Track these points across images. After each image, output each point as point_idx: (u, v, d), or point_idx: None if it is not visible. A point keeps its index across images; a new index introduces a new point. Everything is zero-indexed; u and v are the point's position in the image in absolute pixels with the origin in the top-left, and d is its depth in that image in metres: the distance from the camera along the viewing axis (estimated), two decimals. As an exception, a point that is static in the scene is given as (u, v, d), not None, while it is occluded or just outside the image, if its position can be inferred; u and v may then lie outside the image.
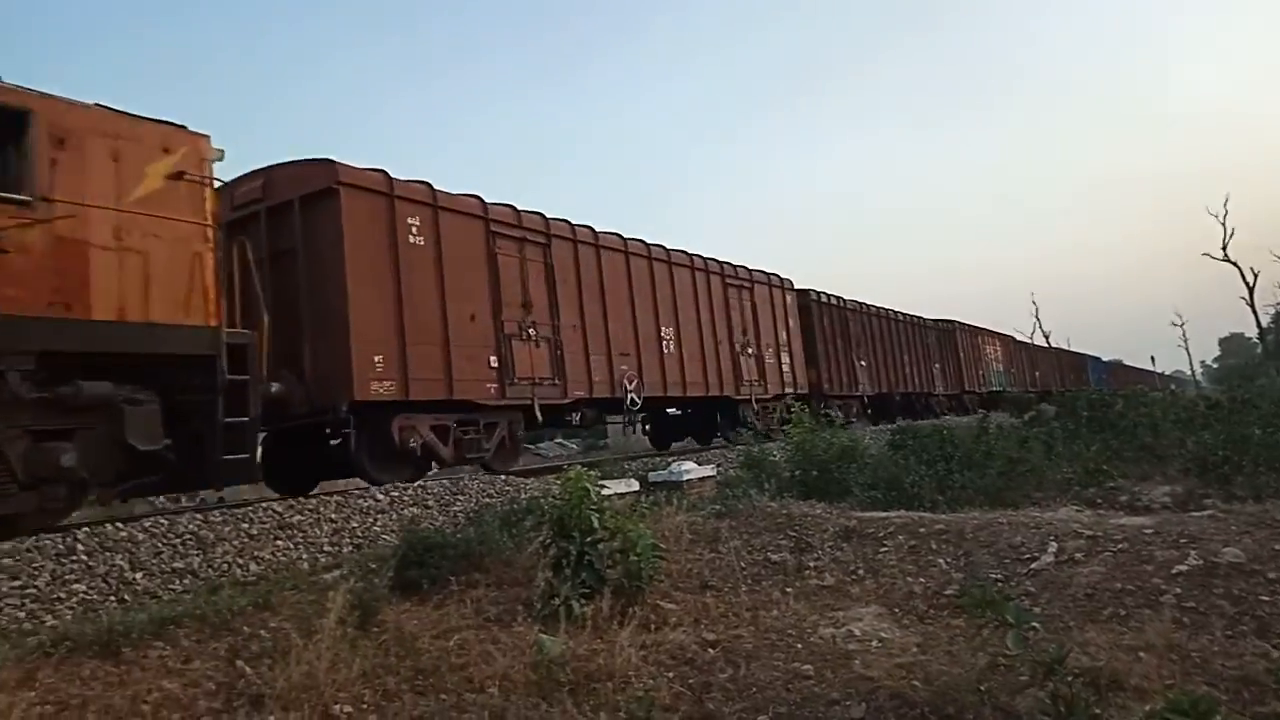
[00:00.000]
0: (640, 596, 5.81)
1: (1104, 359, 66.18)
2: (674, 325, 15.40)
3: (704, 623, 5.81)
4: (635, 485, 10.01)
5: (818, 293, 22.45)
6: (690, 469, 10.82)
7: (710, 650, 5.42)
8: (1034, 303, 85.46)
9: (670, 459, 12.57)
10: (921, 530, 7.06)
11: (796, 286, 21.16)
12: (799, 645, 5.33)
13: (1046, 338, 55.10)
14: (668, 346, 15.06)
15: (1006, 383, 36.59)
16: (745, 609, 6.07)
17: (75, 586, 6.21)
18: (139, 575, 6.55)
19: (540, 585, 5.79)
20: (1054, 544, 6.31)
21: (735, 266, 18.07)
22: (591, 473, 6.34)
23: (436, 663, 4.88)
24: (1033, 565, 6.08)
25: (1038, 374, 44.57)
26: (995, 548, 6.53)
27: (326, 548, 7.79)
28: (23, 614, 5.78)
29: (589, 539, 5.98)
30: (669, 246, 15.89)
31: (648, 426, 18.24)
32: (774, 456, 10.74)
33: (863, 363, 23.71)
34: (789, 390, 19.21)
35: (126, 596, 6.30)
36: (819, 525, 7.36)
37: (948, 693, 4.25)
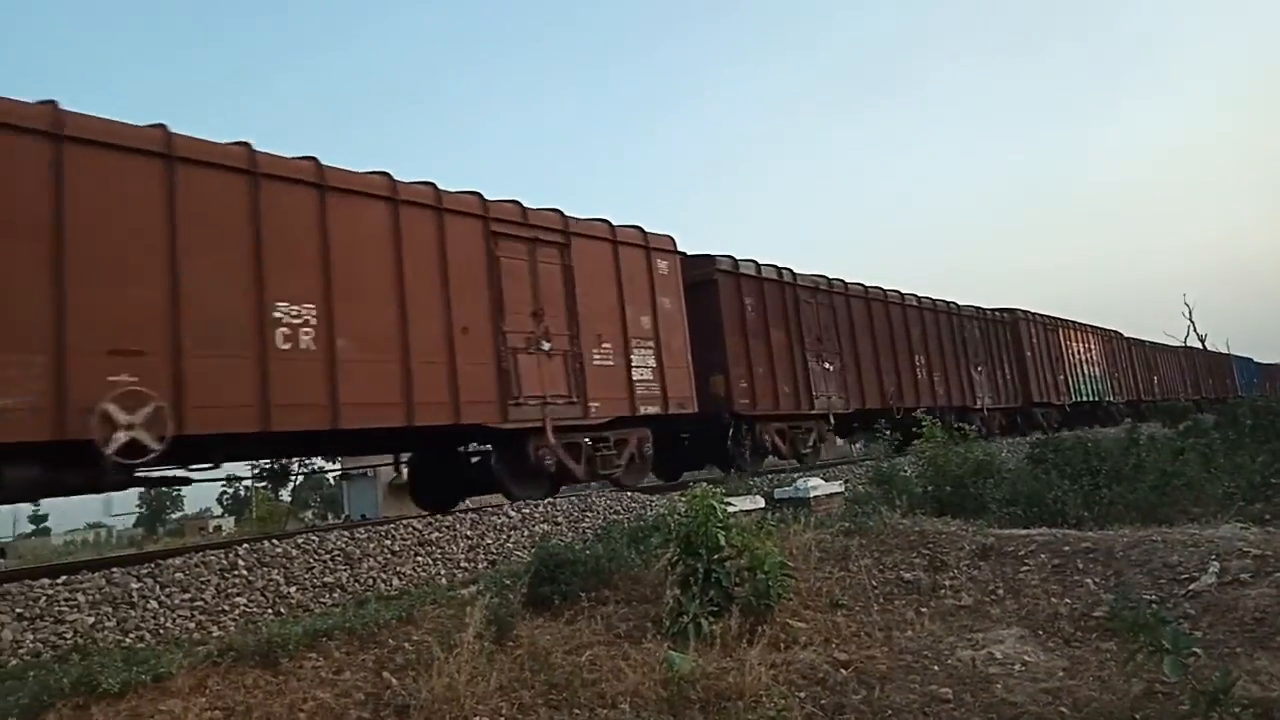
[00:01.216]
0: (769, 615, 5.75)
1: (1259, 361, 58.99)
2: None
3: (835, 642, 5.71)
4: (761, 502, 9.93)
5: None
6: (818, 485, 10.63)
7: (842, 670, 5.32)
8: (1187, 304, 78.26)
9: (797, 475, 12.40)
10: (1066, 548, 6.71)
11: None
12: (935, 667, 5.16)
13: (1202, 341, 48.61)
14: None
15: (1106, 391, 29.96)
16: (878, 629, 5.92)
17: (237, 599, 6.67)
18: (293, 589, 6.97)
19: (668, 602, 5.82)
20: (1216, 563, 5.87)
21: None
22: (717, 490, 6.34)
23: (569, 678, 4.98)
24: (1192, 586, 5.68)
25: (1157, 379, 37.16)
26: (1149, 567, 6.14)
27: (463, 563, 8.07)
28: (192, 624, 6.25)
29: (716, 556, 5.98)
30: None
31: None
32: (905, 472, 10.43)
33: (828, 365, 16.64)
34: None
35: (282, 609, 6.71)
36: (954, 543, 7.10)
37: (1099, 721, 4.03)
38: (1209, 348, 48.55)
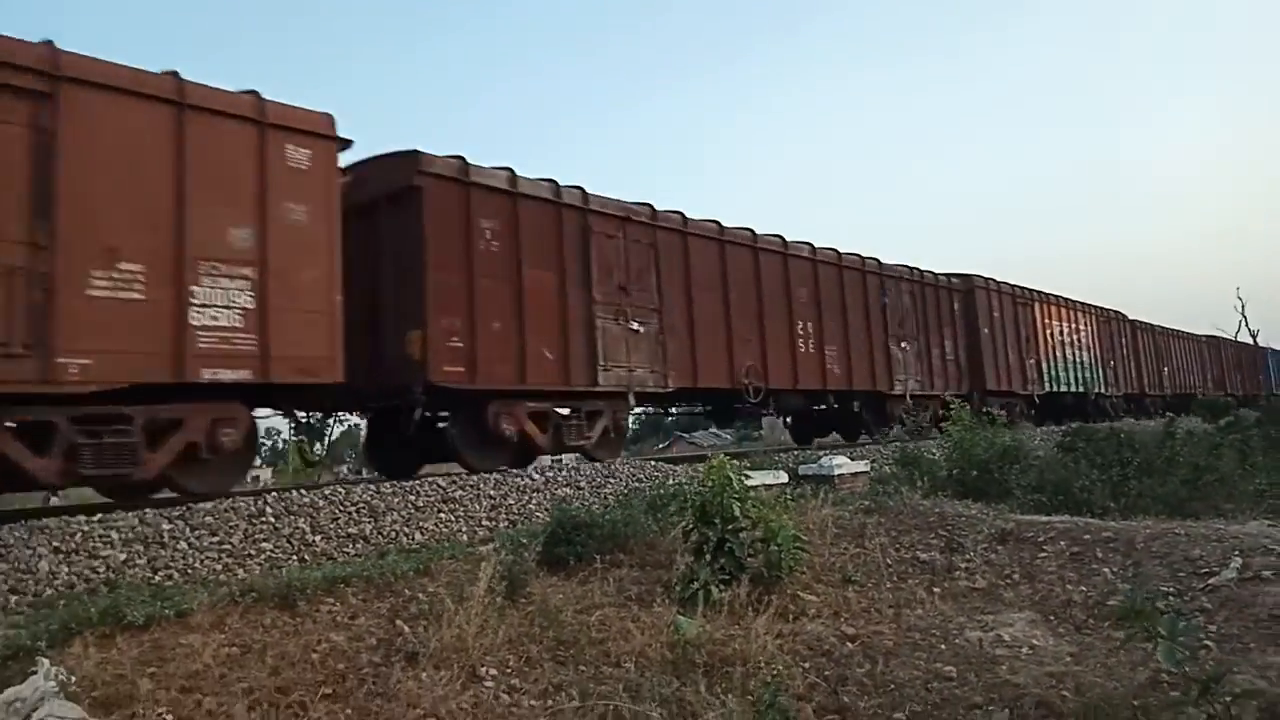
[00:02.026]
0: (779, 586, 5.80)
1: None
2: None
3: (844, 616, 5.74)
4: (784, 477, 9.93)
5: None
6: (842, 463, 10.61)
7: (849, 644, 5.36)
8: (1239, 297, 75.96)
9: (822, 453, 12.37)
10: (1087, 537, 6.65)
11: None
12: (942, 646, 5.18)
13: (1254, 336, 45.07)
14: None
15: (1096, 381, 24.99)
16: (888, 605, 5.94)
17: (263, 545, 6.85)
18: (318, 538, 7.15)
19: (680, 569, 5.89)
20: (1238, 559, 5.79)
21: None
22: (735, 462, 6.38)
23: (577, 635, 5.07)
24: (1211, 580, 5.61)
25: (1168, 371, 31.98)
26: (1169, 559, 6.07)
27: (485, 521, 8.20)
28: (219, 566, 6.44)
29: (730, 526, 6.02)
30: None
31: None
32: (931, 454, 10.36)
33: (635, 326, 11.94)
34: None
35: (306, 556, 6.89)
36: (973, 526, 7.07)
37: (1100, 706, 4.02)
38: (1258, 343, 45.16)
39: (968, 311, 19.64)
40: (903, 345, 17.25)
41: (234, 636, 4.52)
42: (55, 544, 6.03)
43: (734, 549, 5.95)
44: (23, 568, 5.71)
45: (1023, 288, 22.09)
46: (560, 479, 9.49)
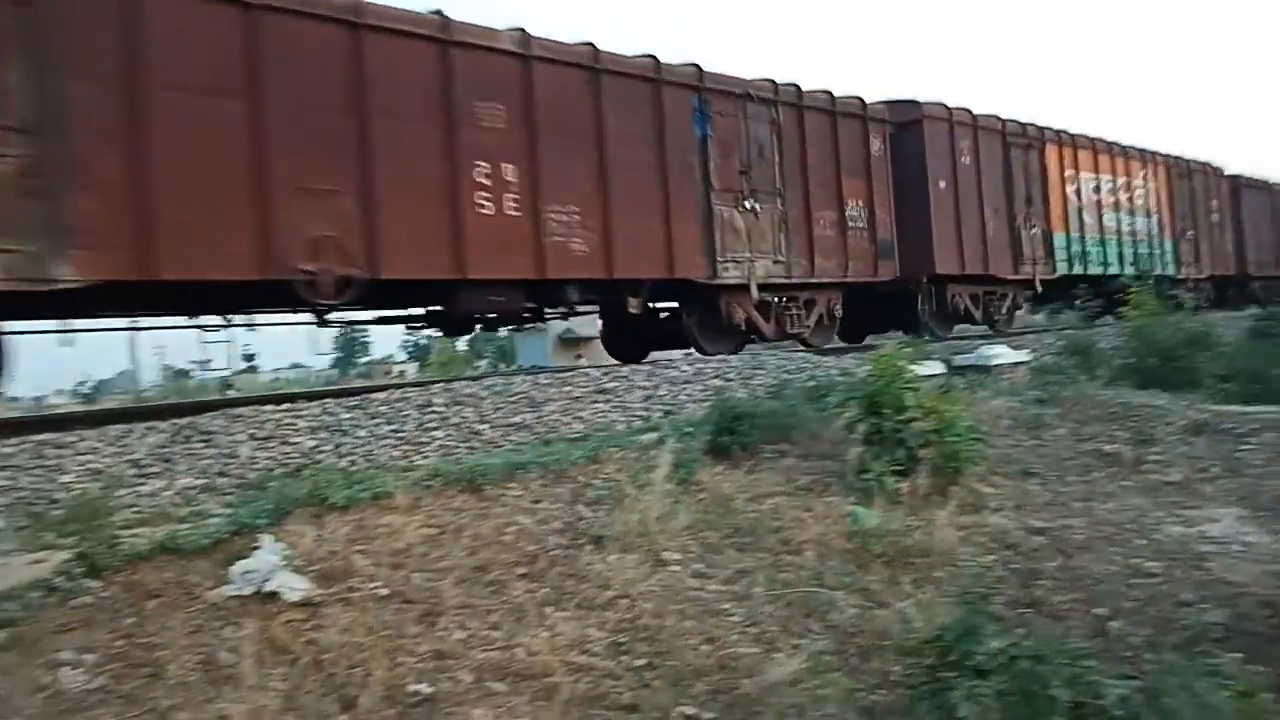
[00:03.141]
0: (957, 478, 5.61)
1: None
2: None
3: (1026, 509, 5.54)
4: (940, 368, 9.58)
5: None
6: (1001, 353, 10.14)
7: (1036, 537, 5.18)
8: None
9: (978, 342, 11.86)
10: (1295, 429, 6.15)
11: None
12: (1140, 541, 4.93)
13: None
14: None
15: (1162, 260, 18.90)
16: (1074, 499, 5.69)
17: (435, 433, 7.12)
18: (484, 427, 7.37)
19: (852, 460, 5.77)
20: None
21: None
22: (906, 350, 6.13)
23: (755, 523, 5.07)
24: None
25: None
26: (1396, 453, 5.54)
27: (639, 411, 8.27)
28: (397, 453, 6.74)
29: (901, 417, 5.83)
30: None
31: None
32: (1101, 344, 9.76)
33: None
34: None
35: (475, 445, 7.13)
36: (1162, 417, 6.65)
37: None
38: None
39: (904, 155, 13.48)
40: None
41: (429, 518, 4.72)
42: (251, 431, 6.44)
43: (906, 440, 5.78)
44: (227, 452, 6.13)
45: (1022, 123, 15.62)
46: (708, 371, 9.45)
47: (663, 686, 3.66)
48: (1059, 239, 16.14)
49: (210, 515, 4.97)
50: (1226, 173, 21.78)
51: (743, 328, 11.56)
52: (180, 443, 6.12)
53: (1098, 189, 17.25)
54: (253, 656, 3.31)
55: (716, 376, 9.31)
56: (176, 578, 4.00)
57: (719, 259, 10.88)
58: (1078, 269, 16.52)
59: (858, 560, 4.78)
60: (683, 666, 3.74)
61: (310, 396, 7.62)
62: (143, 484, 5.57)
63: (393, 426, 6.99)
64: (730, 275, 10.98)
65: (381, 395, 7.44)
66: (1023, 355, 10.37)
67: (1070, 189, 16.48)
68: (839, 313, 12.64)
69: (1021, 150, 15.56)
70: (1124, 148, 18.39)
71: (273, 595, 3.84)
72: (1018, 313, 16.69)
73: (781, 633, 4.08)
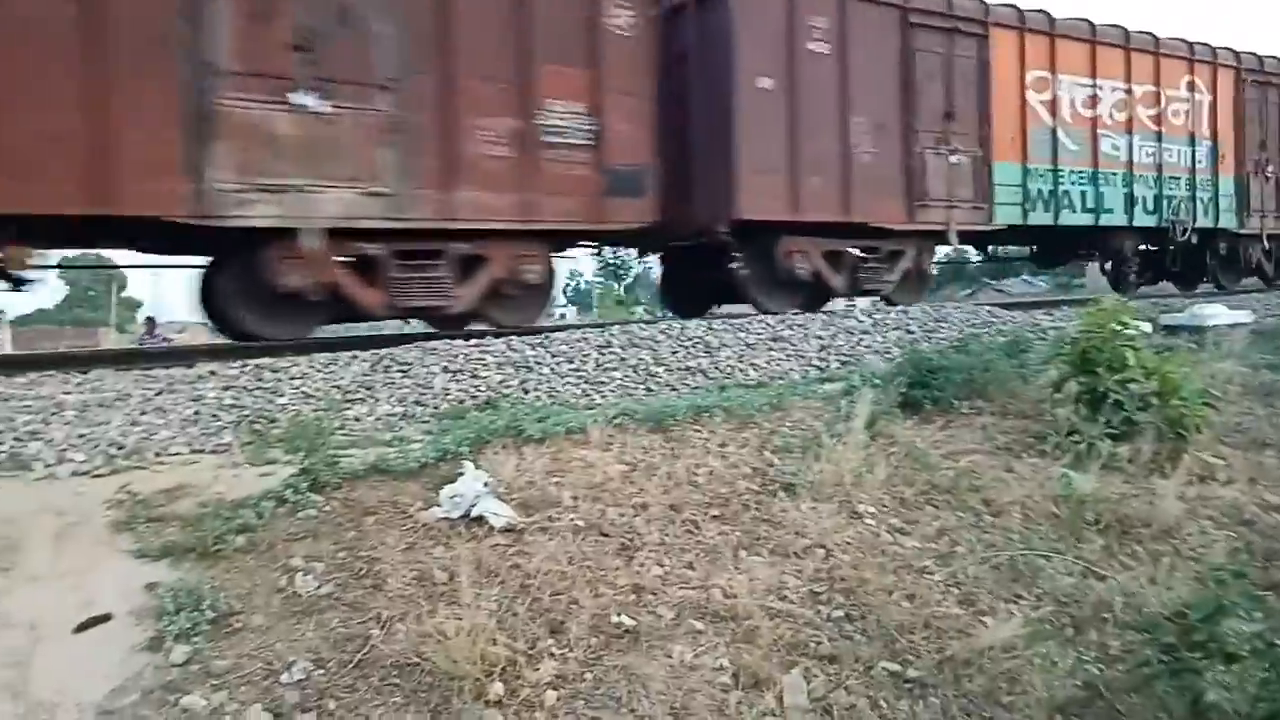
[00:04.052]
0: (1182, 446, 5.14)
1: None
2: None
3: (1263, 483, 5.02)
4: (1146, 327, 8.82)
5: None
6: (1217, 312, 9.23)
7: (1275, 514, 4.68)
8: None
9: (1191, 300, 10.85)
10: None
11: None
12: None
13: None
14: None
15: (1198, 207, 13.61)
16: (1317, 476, 5.11)
17: (613, 373, 7.19)
18: (660, 370, 7.38)
19: (1059, 422, 5.39)
20: None
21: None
22: (1130, 304, 5.64)
23: (952, 482, 4.83)
24: None
25: None
26: None
27: (815, 361, 8.07)
28: (578, 391, 6.86)
29: (1118, 377, 5.38)
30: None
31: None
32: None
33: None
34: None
35: (651, 386, 7.15)
36: None
37: None
38: None
39: (699, 37, 9.68)
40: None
41: (621, 454, 4.76)
42: (444, 364, 6.70)
43: (1123, 402, 5.33)
44: (422, 384, 6.41)
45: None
46: (889, 321, 9.09)
47: (864, 640, 3.55)
48: (1006, 171, 11.09)
49: (412, 441, 5.22)
50: None
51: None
52: (380, 372, 6.44)
53: (1093, 100, 12.09)
54: (466, 577, 3.42)
55: (897, 328, 8.95)
56: (389, 497, 4.21)
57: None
58: (1041, 216, 11.56)
59: (1069, 527, 4.47)
60: (885, 622, 3.61)
61: (497, 334, 7.85)
62: (348, 408, 5.91)
63: (573, 365, 7.11)
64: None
65: (562, 335, 7.57)
66: (1242, 316, 9.40)
67: (1038, 98, 11.50)
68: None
69: (940, 37, 10.71)
70: (1147, 41, 12.79)
71: (479, 519, 3.98)
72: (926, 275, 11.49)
73: (989, 596, 3.87)
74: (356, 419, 5.83)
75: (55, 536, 3.76)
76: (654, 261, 13.76)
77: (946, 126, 10.74)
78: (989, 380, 6.21)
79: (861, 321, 8.90)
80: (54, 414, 5.18)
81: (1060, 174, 11.91)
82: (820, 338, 8.48)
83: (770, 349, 8.12)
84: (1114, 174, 12.51)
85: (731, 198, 9.33)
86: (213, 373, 6.02)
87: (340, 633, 3.28)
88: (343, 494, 4.21)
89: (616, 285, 26.75)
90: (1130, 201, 12.69)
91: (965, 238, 11.55)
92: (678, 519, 4.23)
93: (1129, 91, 12.63)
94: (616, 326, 7.99)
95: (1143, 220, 12.83)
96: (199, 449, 5.11)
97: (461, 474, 4.27)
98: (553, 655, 3.25)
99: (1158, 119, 13.01)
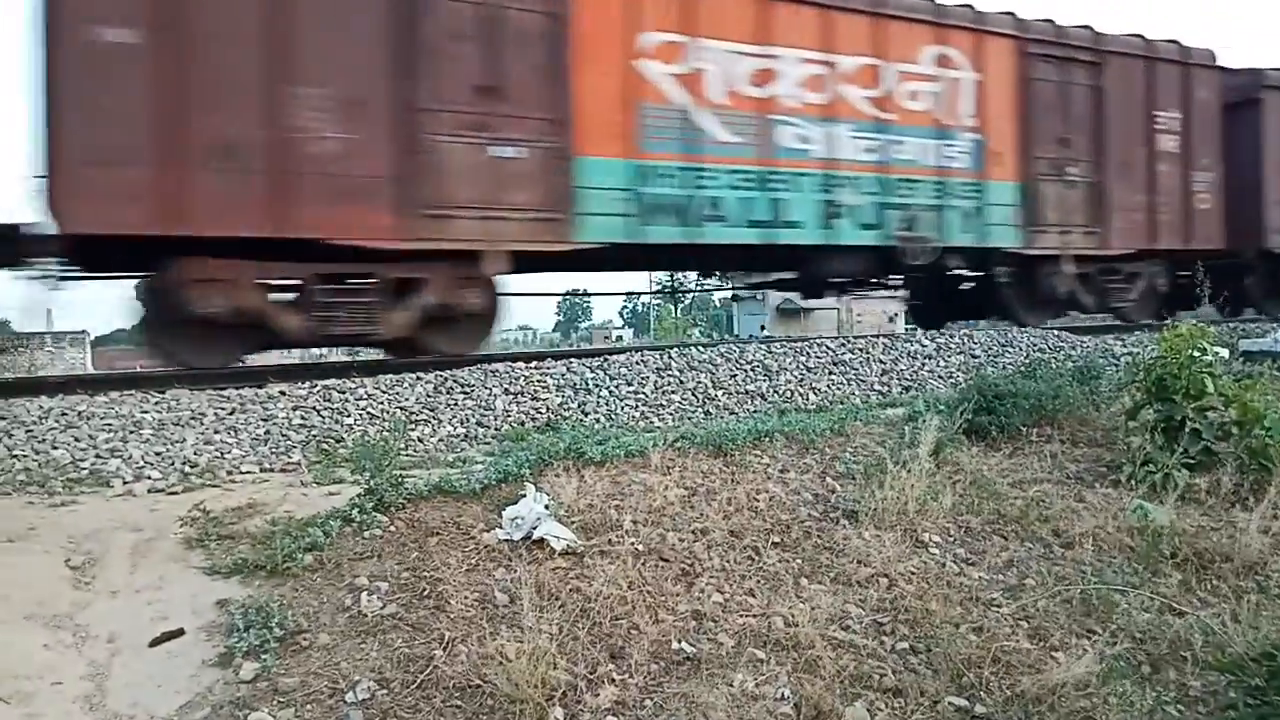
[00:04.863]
0: (1267, 478, 4.93)
1: None
2: None
3: (1354, 519, 4.77)
4: (1223, 353, 8.51)
5: None
6: (1301, 339, 8.86)
7: (1367, 553, 4.44)
8: None
9: (1272, 326, 10.45)
10: None
11: None
12: None
13: None
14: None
15: (941, 225, 10.05)
16: None
17: (672, 396, 7.20)
18: (719, 393, 7.37)
19: (1133, 451, 5.22)
20: None
21: None
22: (1210, 329, 5.45)
23: (1020, 511, 4.71)
24: None
25: None
26: None
27: (876, 386, 7.97)
28: (636, 414, 6.88)
29: (1196, 405, 5.20)
30: None
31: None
32: None
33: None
34: None
35: (710, 410, 7.14)
36: None
37: None
38: None
39: None
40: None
41: (681, 479, 4.74)
42: (505, 386, 6.77)
43: (1201, 431, 5.14)
44: (484, 404, 6.49)
45: None
46: (952, 345, 8.93)
47: (929, 674, 3.47)
48: (600, 170, 8.01)
49: (474, 462, 5.29)
50: (1213, 64, 12.03)
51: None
52: (443, 393, 6.54)
53: (765, 75, 8.82)
54: (528, 600, 3.44)
55: (961, 352, 8.79)
56: (452, 518, 4.26)
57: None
58: (665, 231, 8.39)
59: (1144, 560, 4.32)
60: (951, 655, 3.52)
61: (557, 356, 7.91)
62: (413, 429, 6.01)
63: (632, 388, 7.14)
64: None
65: (621, 357, 7.61)
66: (1328, 343, 9.01)
67: (663, 70, 8.28)
68: None
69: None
70: None
71: (540, 542, 3.99)
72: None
73: (1061, 631, 3.75)
74: (420, 439, 5.93)
75: (132, 552, 3.89)
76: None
77: (489, 107, 7.52)
78: (1059, 407, 6.05)
79: (924, 346, 8.76)
80: (132, 432, 5.37)
81: (704, 174, 8.57)
82: (882, 362, 8.37)
83: (831, 373, 8.05)
84: (802, 175, 9.05)
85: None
86: (283, 393, 6.18)
87: (404, 653, 3.32)
88: (407, 514, 4.27)
89: (674, 308, 26.78)
90: (830, 212, 9.23)
91: (529, 261, 8.02)
92: (738, 545, 4.19)
93: (830, 65, 9.16)
94: (675, 349, 8.00)
95: (853, 236, 9.39)
96: (269, 468, 5.25)
97: (523, 496, 4.30)
98: (613, 681, 3.24)
99: (883, 102, 9.51)
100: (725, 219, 8.70)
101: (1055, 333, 9.79)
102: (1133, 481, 5.06)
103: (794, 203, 9.06)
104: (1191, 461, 5.05)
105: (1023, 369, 7.55)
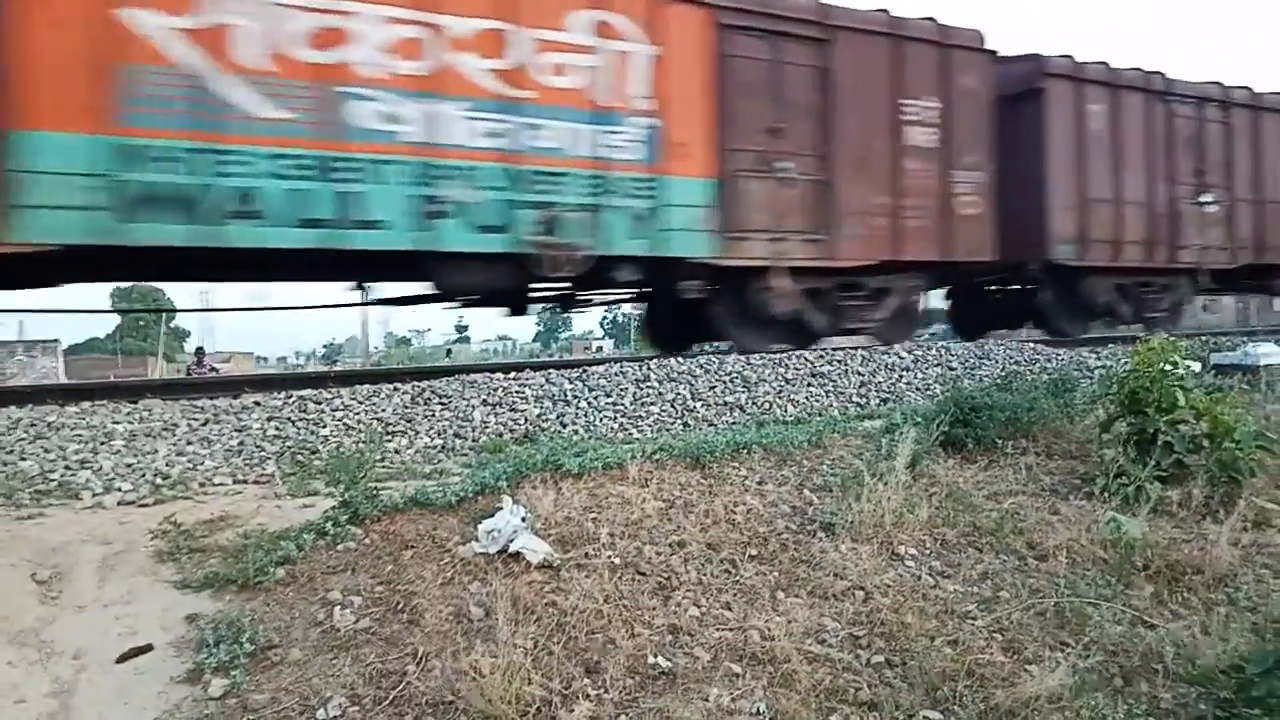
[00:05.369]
0: (1236, 491, 4.99)
1: None
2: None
3: (1322, 532, 4.83)
4: (1196, 366, 8.62)
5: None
6: (1271, 351, 8.99)
7: (1335, 564, 4.50)
8: None
9: (1244, 340, 10.60)
10: None
11: None
12: None
13: None
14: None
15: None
16: (1381, 525, 4.92)
17: (650, 408, 7.19)
18: (698, 405, 7.37)
19: (1106, 463, 5.27)
20: None
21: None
22: (1182, 343, 5.52)
23: (996, 524, 4.73)
24: None
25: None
26: None
27: (855, 398, 8.00)
28: (615, 425, 6.86)
29: (1169, 418, 5.25)
30: None
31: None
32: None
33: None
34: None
35: (689, 421, 7.14)
36: None
37: None
38: None
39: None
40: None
41: (659, 491, 4.73)
42: (484, 397, 6.75)
43: (1173, 444, 5.20)
44: (461, 416, 6.46)
45: None
46: (929, 358, 8.99)
47: (905, 687, 3.46)
48: (51, 149, 6.20)
49: (451, 474, 5.26)
50: (980, 46, 10.49)
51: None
52: (421, 404, 6.51)
53: (330, 35, 7.10)
54: (503, 614, 3.41)
55: (938, 365, 8.85)
56: (428, 531, 4.23)
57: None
58: (161, 230, 6.51)
59: (1117, 572, 4.34)
60: (927, 668, 3.52)
61: (535, 367, 7.90)
62: (389, 440, 5.97)
63: (610, 399, 7.13)
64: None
65: (600, 369, 7.60)
66: (1299, 357, 9.15)
67: (158, 22, 6.46)
68: None
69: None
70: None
71: (516, 555, 3.97)
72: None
73: (1034, 644, 3.76)
74: (397, 451, 5.89)
75: (100, 565, 3.83)
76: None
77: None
78: (1034, 419, 6.10)
79: (903, 358, 8.81)
80: (103, 443, 5.30)
81: (230, 158, 6.70)
82: (860, 374, 8.41)
83: (809, 385, 8.08)
84: (386, 162, 7.28)
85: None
86: (257, 403, 6.12)
87: (376, 668, 3.28)
88: (382, 527, 4.24)
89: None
90: (430, 210, 7.45)
91: None
92: (715, 558, 4.18)
93: (433, 27, 7.44)
94: (654, 360, 8.00)
95: (464, 241, 7.62)
96: (242, 479, 5.19)
97: (499, 508, 4.28)
98: (588, 696, 3.21)
99: (514, 76, 7.79)
100: (263, 216, 6.79)
101: (1031, 345, 9.89)
102: (1106, 494, 5.10)
103: (373, 197, 7.18)
104: (1164, 474, 5.10)
105: (999, 382, 7.62)
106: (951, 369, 8.82)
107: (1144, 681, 3.65)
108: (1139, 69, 12.33)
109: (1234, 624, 3.75)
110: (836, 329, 9.99)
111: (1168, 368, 5.31)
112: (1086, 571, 4.36)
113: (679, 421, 7.10)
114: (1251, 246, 13.45)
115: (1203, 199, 12.74)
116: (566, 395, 7.03)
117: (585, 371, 7.51)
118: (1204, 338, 10.80)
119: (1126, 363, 5.80)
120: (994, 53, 10.65)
